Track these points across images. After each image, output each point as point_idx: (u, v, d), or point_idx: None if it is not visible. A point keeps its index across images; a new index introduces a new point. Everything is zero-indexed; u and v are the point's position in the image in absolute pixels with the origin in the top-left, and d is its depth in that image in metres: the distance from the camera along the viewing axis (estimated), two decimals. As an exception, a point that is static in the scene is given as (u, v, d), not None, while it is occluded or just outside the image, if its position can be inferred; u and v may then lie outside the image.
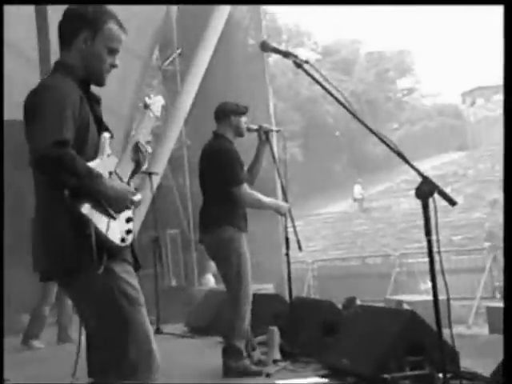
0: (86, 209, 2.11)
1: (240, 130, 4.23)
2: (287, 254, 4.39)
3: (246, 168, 4.24)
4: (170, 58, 12.42)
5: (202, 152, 4.27)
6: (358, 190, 27.16)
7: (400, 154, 2.08)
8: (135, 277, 2.26)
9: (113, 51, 2.33)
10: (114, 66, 2.35)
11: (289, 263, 4.40)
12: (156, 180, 8.12)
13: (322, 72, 2.43)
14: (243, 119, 4.24)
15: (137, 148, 2.34)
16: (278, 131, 4.58)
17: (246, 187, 4.06)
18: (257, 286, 5.38)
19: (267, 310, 5.05)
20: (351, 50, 40.02)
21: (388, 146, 2.10)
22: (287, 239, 4.36)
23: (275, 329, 4.51)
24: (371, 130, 2.15)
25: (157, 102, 2.49)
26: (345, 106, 2.26)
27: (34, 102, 2.16)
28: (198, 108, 10.52)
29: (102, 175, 2.13)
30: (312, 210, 27.91)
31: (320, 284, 14.86)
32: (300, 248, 4.27)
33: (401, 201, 25.20)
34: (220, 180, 4.05)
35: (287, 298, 4.73)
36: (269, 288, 9.57)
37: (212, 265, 8.65)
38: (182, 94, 10.29)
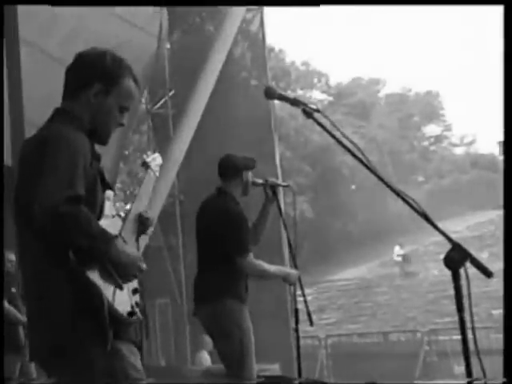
0: (93, 275, 2.10)
1: (248, 188, 4.30)
2: (296, 329, 4.32)
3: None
4: (162, 101, 12.66)
5: (200, 210, 4.30)
6: (397, 251, 27.11)
7: (425, 216, 2.09)
8: (138, 356, 2.27)
9: (124, 109, 2.38)
10: (121, 124, 2.40)
11: (298, 339, 4.36)
12: (143, 240, 8.16)
13: (334, 122, 2.46)
14: (250, 174, 4.32)
15: (141, 219, 2.44)
16: (286, 186, 4.62)
17: (251, 257, 4.09)
18: (260, 366, 5.30)
19: (272, 396, 4.98)
20: (369, 91, 40.74)
21: (410, 205, 2.10)
22: (296, 311, 4.31)
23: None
24: (390, 187, 2.16)
25: (155, 160, 2.62)
26: (360, 160, 2.29)
27: (42, 153, 2.14)
28: (193, 157, 10.65)
29: (115, 238, 2.16)
30: (325, 276, 27.79)
31: (335, 364, 14.66)
32: (311, 322, 4.24)
33: (430, 266, 25.10)
34: (222, 246, 4.07)
35: (296, 380, 4.67)
36: (274, 369, 9.45)
37: (208, 341, 8.58)
38: (174, 141, 10.45)
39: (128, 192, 22.04)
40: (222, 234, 4.08)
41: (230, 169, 4.28)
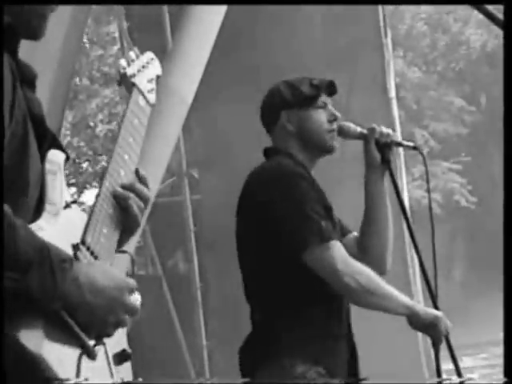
0: (31, 340, 2.09)
1: (319, 137, 4.40)
2: None
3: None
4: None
5: (241, 193, 4.43)
6: None
7: None
8: None
9: None
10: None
11: None
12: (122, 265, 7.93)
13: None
14: (322, 112, 4.41)
15: (118, 197, 2.44)
16: (413, 148, 4.73)
17: (332, 246, 4.14)
18: None
19: None
20: None
21: None
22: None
23: None
24: None
25: (148, 67, 2.65)
26: None
27: None
28: (219, 97, 10.89)
29: (70, 259, 2.18)
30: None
31: None
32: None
33: None
34: (275, 248, 4.21)
35: None
36: None
37: None
38: (174, 57, 10.31)
39: (84, 167, 21.50)
40: (269, 224, 4.19)
41: (267, 109, 4.51)
